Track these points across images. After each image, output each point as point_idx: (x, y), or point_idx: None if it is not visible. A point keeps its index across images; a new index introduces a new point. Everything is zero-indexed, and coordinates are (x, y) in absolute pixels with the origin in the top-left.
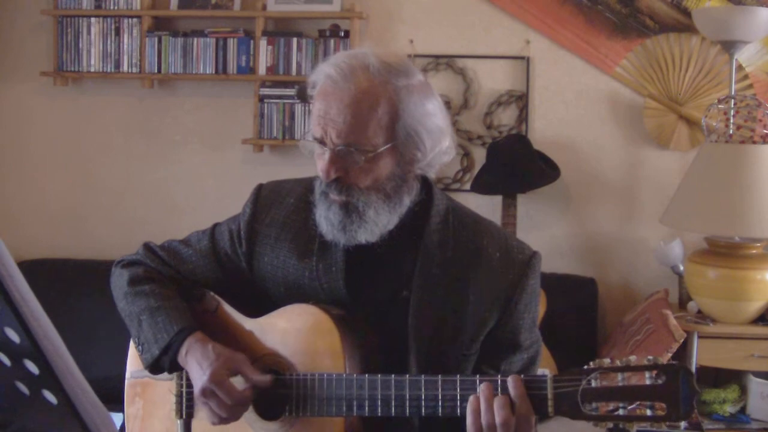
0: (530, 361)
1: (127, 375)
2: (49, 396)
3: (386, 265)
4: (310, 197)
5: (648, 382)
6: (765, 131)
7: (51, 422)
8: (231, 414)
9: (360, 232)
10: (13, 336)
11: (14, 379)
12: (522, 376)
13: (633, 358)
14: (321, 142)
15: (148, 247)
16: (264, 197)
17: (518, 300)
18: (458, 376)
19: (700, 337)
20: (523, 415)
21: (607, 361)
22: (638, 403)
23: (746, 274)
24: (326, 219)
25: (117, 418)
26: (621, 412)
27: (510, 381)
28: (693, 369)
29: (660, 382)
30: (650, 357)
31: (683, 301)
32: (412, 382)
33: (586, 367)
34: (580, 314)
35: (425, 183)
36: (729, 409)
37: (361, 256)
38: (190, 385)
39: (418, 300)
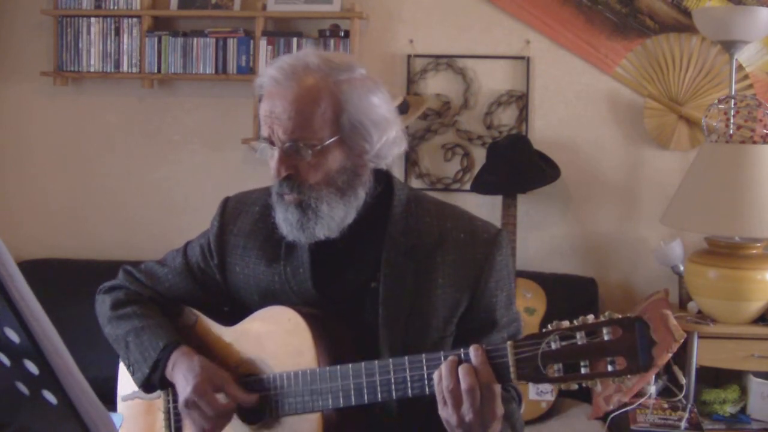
0: (510, 339)
1: (119, 399)
2: (49, 396)
3: (353, 258)
4: (269, 202)
5: (606, 338)
6: (765, 131)
7: (51, 422)
8: (213, 426)
9: (317, 228)
10: (13, 336)
11: (14, 379)
12: (483, 345)
13: (590, 316)
14: (270, 141)
15: (126, 270)
16: (230, 209)
17: (488, 278)
18: (424, 354)
19: (700, 337)
20: (485, 383)
21: (565, 322)
22: (598, 360)
23: (746, 274)
24: (285, 220)
25: (117, 418)
26: (583, 371)
27: (471, 350)
28: (693, 369)
29: (617, 336)
30: (607, 313)
31: (683, 301)
32: (381, 367)
33: (544, 330)
34: (580, 314)
35: (384, 175)
36: (729, 409)
37: (327, 252)
38: (176, 401)
39: (387, 289)
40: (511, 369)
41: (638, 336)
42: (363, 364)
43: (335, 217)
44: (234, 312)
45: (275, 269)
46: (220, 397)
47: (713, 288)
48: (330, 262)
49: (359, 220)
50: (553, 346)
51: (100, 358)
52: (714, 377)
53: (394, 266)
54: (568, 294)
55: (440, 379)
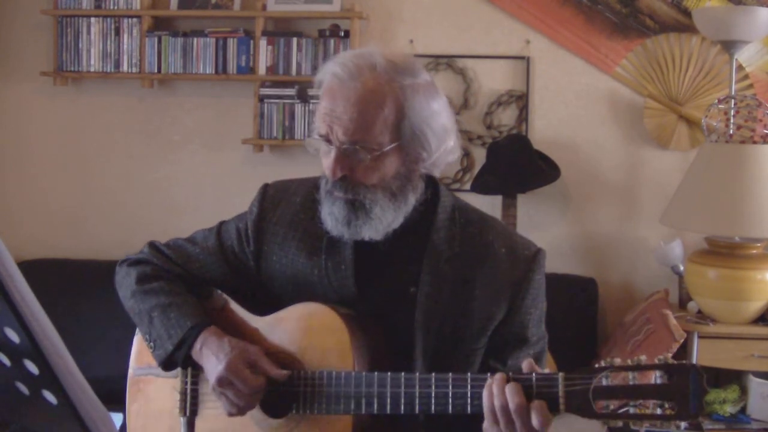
0: (537, 356)
1: (130, 372)
2: (49, 396)
3: (394, 262)
4: (316, 196)
5: (658, 381)
6: (765, 131)
7: (51, 422)
8: (247, 402)
9: (364, 229)
10: (13, 336)
11: (14, 379)
12: (534, 373)
13: (644, 357)
14: (327, 140)
15: (153, 245)
16: (271, 196)
17: (525, 295)
18: (469, 374)
19: (700, 337)
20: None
21: (618, 360)
22: (648, 402)
23: (746, 274)
24: (330, 215)
25: (117, 418)
26: (631, 410)
27: (525, 366)
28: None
29: (670, 381)
30: (660, 357)
31: (683, 301)
32: (422, 380)
33: (597, 365)
34: (580, 314)
35: (431, 181)
36: (729, 409)
37: (369, 254)
38: (194, 383)
39: (425, 296)
40: (561, 400)
41: (692, 384)
42: (403, 374)
43: (384, 220)
44: (264, 301)
45: (315, 262)
46: (254, 375)
47: (713, 288)
48: (371, 263)
49: (404, 225)
50: (605, 382)
51: (100, 358)
52: (714, 377)
53: (434, 273)
54: (568, 294)
55: (491, 395)
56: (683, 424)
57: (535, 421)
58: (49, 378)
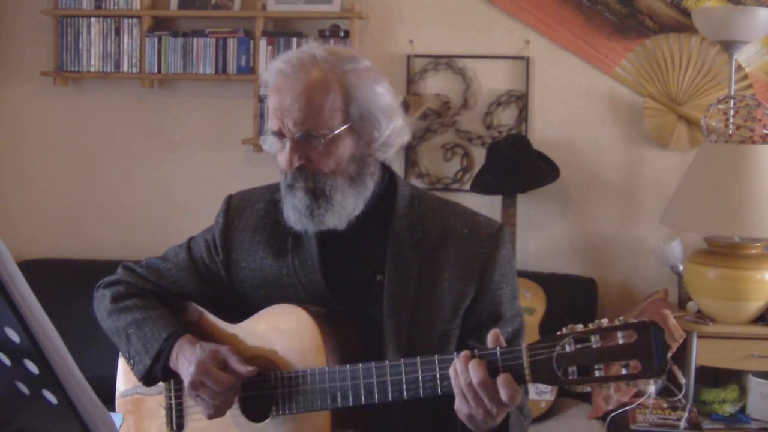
0: (515, 334)
1: (117, 394)
2: (49, 396)
3: (358, 252)
4: (277, 197)
5: (621, 341)
6: (765, 131)
7: (51, 422)
8: (223, 401)
9: (327, 216)
10: (13, 336)
11: (14, 379)
12: (498, 348)
13: (605, 320)
14: (280, 134)
15: (126, 266)
16: (234, 206)
17: (492, 271)
18: (436, 355)
19: (699, 337)
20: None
21: (579, 326)
22: (613, 363)
23: (746, 274)
24: (293, 208)
25: (117, 418)
26: (597, 374)
27: (489, 339)
28: (693, 369)
29: (632, 340)
30: (621, 318)
31: (683, 301)
32: (392, 368)
33: (559, 333)
34: (580, 314)
35: (387, 171)
36: (729, 409)
37: (334, 246)
38: (178, 396)
39: (392, 282)
40: (526, 371)
41: (653, 340)
42: (373, 364)
43: (346, 206)
44: (238, 309)
45: (283, 262)
46: (225, 373)
47: (713, 288)
48: (336, 255)
49: (364, 214)
50: (568, 348)
51: (100, 358)
52: (713, 377)
53: (399, 260)
54: (568, 294)
55: (456, 375)
56: (683, 424)
57: (502, 393)
58: (49, 378)
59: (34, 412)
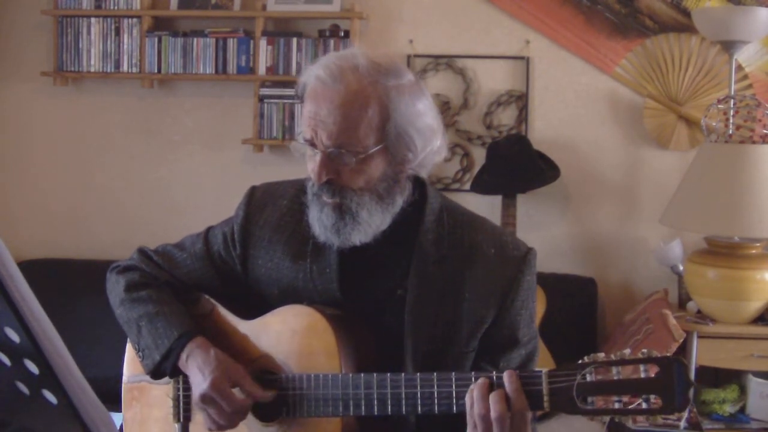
0: (528, 357)
1: (124, 379)
2: (49, 396)
3: (381, 264)
4: (303, 198)
5: (643, 375)
6: (765, 131)
7: (51, 422)
8: (229, 422)
9: (353, 234)
10: (13, 336)
11: (14, 379)
12: (518, 371)
13: (627, 351)
14: (312, 143)
15: (142, 251)
16: (257, 199)
17: (515, 296)
18: (454, 373)
19: (699, 336)
20: (519, 410)
21: (601, 355)
22: (634, 396)
23: (746, 274)
24: (319, 221)
25: (117, 418)
26: (617, 405)
27: (506, 376)
28: (693, 369)
29: (654, 374)
30: (644, 350)
31: (683, 301)
32: (407, 380)
33: (581, 361)
34: (580, 314)
35: (419, 182)
36: (729, 408)
37: (356, 256)
38: (187, 389)
39: (413, 298)
40: (545, 398)
41: (676, 377)
42: (389, 375)
43: (372, 224)
44: (251, 305)
45: (300, 266)
46: (237, 393)
47: (713, 288)
48: (358, 266)
49: (391, 227)
50: (589, 378)
51: (100, 358)
52: (713, 377)
53: (422, 276)
54: (568, 294)
55: (472, 403)
56: (683, 424)
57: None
58: (49, 378)
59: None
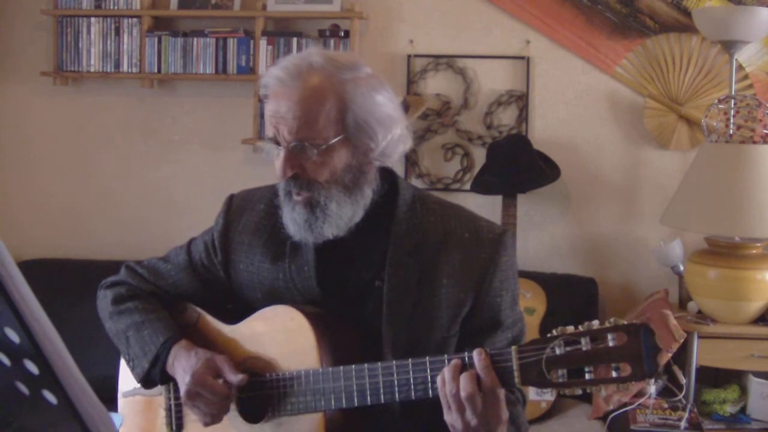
0: (515, 340)
1: (120, 395)
2: (49, 396)
3: (357, 257)
4: (275, 201)
5: (611, 344)
6: (765, 131)
7: (51, 422)
8: (218, 410)
9: (326, 228)
10: (13, 336)
11: (14, 379)
12: (487, 349)
13: (595, 322)
14: (275, 141)
15: (128, 267)
16: (235, 206)
17: (492, 278)
18: (427, 357)
19: (700, 337)
20: (489, 388)
21: (570, 327)
22: (603, 365)
23: (746, 274)
24: (292, 220)
25: (117, 418)
26: (587, 376)
27: (475, 354)
28: (693, 369)
29: (622, 342)
30: (611, 319)
31: (683, 301)
32: (384, 369)
33: (549, 335)
34: (580, 314)
35: (390, 175)
36: (729, 409)
37: (332, 251)
38: (177, 398)
39: (390, 288)
40: (516, 374)
41: (643, 342)
42: (366, 365)
43: (343, 216)
44: (237, 310)
45: (280, 267)
46: (220, 382)
47: (713, 288)
48: (335, 261)
49: (365, 219)
50: (558, 351)
51: (100, 358)
52: (714, 377)
53: (398, 265)
54: (568, 294)
55: (443, 383)
56: (683, 424)
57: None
58: (49, 378)
59: (34, 412)
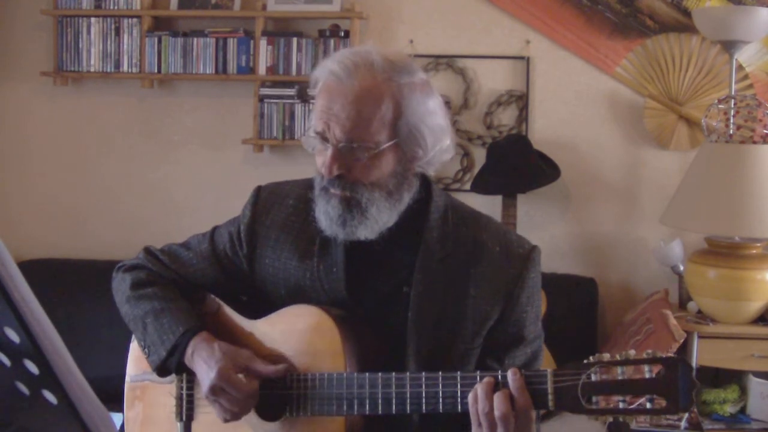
0: (533, 355)
1: (127, 378)
2: (49, 396)
3: (386, 262)
4: (309, 196)
5: (647, 375)
6: (765, 131)
7: (51, 422)
8: (241, 408)
9: (360, 228)
10: (13, 336)
11: (14, 379)
12: (522, 370)
13: (632, 352)
14: (323, 137)
15: (148, 250)
16: (263, 199)
17: (520, 293)
18: (459, 372)
19: (700, 337)
20: (523, 409)
21: (606, 355)
22: (638, 396)
23: (746, 274)
24: (325, 213)
25: (117, 418)
26: (621, 405)
27: (510, 374)
28: (693, 369)
29: (659, 375)
30: (649, 351)
31: (683, 301)
32: (412, 380)
33: (586, 361)
34: (580, 314)
35: (424, 180)
36: (729, 409)
37: (362, 254)
38: (190, 387)
39: (418, 295)
40: (550, 397)
41: (680, 377)
42: (393, 374)
43: (380, 220)
44: (256, 304)
45: (307, 265)
46: (244, 378)
47: (713, 288)
48: (363, 263)
49: (397, 224)
50: (594, 378)
51: (100, 358)
52: (714, 377)
53: (427, 273)
54: (568, 294)
55: (475, 400)
56: (683, 424)
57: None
58: (49, 378)
59: (34, 412)
